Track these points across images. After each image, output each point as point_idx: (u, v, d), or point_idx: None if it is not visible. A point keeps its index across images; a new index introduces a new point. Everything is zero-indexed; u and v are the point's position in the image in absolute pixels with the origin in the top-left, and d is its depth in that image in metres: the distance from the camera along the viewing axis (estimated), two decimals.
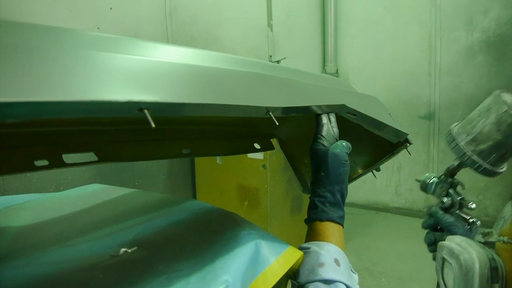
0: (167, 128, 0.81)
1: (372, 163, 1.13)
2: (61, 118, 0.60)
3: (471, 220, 0.89)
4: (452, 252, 0.64)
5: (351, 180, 1.10)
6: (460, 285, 0.61)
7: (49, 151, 0.62)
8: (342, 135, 0.86)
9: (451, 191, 0.97)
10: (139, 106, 0.42)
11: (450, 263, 0.64)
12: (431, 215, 1.01)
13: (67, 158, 0.65)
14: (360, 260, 3.34)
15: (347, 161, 0.81)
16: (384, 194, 4.61)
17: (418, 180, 1.12)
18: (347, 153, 0.81)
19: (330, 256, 0.70)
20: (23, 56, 0.36)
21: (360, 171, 1.15)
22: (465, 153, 0.88)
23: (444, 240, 0.73)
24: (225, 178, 2.80)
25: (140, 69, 0.47)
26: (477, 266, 0.58)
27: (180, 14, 2.92)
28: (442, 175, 1.02)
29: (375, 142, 1.06)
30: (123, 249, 0.63)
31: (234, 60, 0.69)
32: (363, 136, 0.99)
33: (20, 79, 0.34)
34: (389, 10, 4.43)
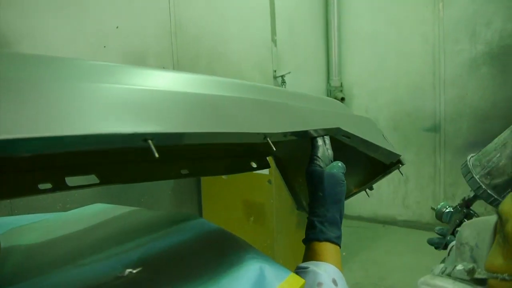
0: (166, 149, 0.83)
1: (365, 182, 1.15)
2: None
3: None
4: None
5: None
6: None
7: (52, 175, 0.63)
8: (336, 156, 0.88)
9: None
10: (144, 137, 0.43)
11: None
12: (443, 236, 1.01)
13: (70, 181, 0.66)
14: (367, 275, 3.30)
15: (343, 181, 0.83)
16: (391, 207, 4.58)
17: (433, 209, 1.13)
18: (343, 173, 0.84)
19: (328, 276, 0.71)
20: (25, 90, 0.38)
21: (353, 189, 1.17)
22: (480, 186, 0.89)
23: None
24: (230, 193, 2.80)
25: (141, 99, 0.48)
26: None
27: (184, 32, 2.96)
28: (457, 205, 1.03)
29: (368, 162, 1.07)
30: (128, 270, 0.63)
31: (232, 85, 0.71)
32: (356, 156, 1.00)
33: (23, 115, 0.35)
34: (392, 23, 4.46)
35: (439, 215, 1.08)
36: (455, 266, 0.57)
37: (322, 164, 0.85)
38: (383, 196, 4.54)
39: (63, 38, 2.27)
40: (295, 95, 0.90)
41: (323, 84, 4.87)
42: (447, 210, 1.05)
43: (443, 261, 0.96)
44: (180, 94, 0.55)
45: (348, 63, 4.88)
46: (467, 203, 1.00)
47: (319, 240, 0.79)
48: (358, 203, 4.61)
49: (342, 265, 0.82)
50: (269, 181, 2.58)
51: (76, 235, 0.89)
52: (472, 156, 0.97)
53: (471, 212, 0.99)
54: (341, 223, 0.82)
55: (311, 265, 0.73)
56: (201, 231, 0.86)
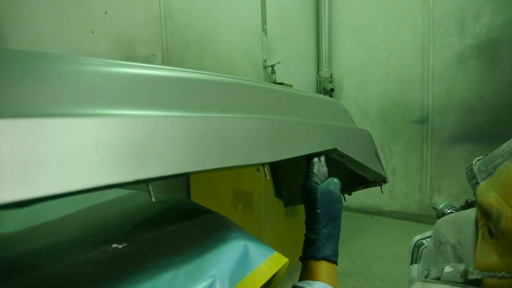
0: None
1: (346, 187, 1.17)
2: None
3: None
4: None
5: None
6: None
7: None
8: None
9: None
10: (145, 182, 0.44)
11: None
12: None
13: None
14: (354, 263, 3.34)
15: (340, 197, 0.84)
16: (378, 198, 4.62)
17: (435, 208, 1.13)
18: (339, 189, 0.84)
19: None
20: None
21: None
22: None
23: None
24: (219, 181, 2.80)
25: (137, 133, 0.44)
26: None
27: (174, 18, 2.93)
28: (460, 206, 1.03)
29: (352, 171, 1.09)
30: (114, 245, 0.63)
31: (234, 93, 0.68)
32: (341, 165, 1.02)
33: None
34: (383, 15, 4.47)
35: (441, 215, 1.08)
36: (442, 269, 0.53)
37: (318, 181, 0.85)
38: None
39: (50, 23, 2.23)
40: (297, 98, 0.89)
41: (313, 75, 4.88)
42: (449, 211, 1.05)
43: (415, 262, 0.94)
44: (180, 122, 0.51)
45: (338, 54, 4.89)
46: (469, 206, 0.99)
47: (316, 259, 0.79)
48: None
49: None
50: (258, 169, 2.58)
51: (65, 215, 0.88)
52: (478, 160, 0.96)
53: None
54: (338, 239, 0.83)
55: (307, 284, 0.74)
56: (188, 211, 0.87)
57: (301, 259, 0.82)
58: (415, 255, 0.94)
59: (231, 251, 0.63)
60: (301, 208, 0.92)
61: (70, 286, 0.51)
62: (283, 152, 0.72)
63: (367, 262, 3.37)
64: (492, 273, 0.45)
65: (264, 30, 3.88)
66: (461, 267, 0.50)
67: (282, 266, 0.69)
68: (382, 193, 1.14)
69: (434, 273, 0.54)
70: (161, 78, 0.56)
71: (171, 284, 0.51)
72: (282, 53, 4.13)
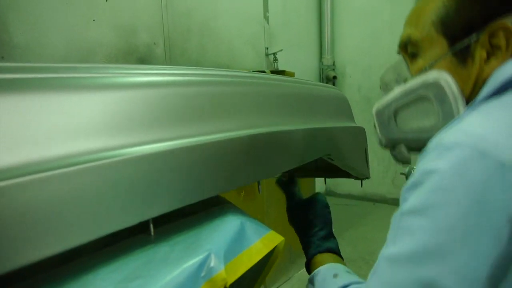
0: None
1: (324, 172, 1.22)
2: None
3: None
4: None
5: (301, 176, 1.22)
6: None
7: None
8: None
9: None
10: (148, 221, 0.46)
11: None
12: None
13: None
14: (356, 250, 3.36)
15: (328, 204, 0.94)
16: (381, 186, 4.63)
17: (403, 174, 1.16)
18: (324, 197, 0.95)
19: (342, 269, 0.76)
20: None
21: (313, 173, 1.28)
22: None
23: None
24: None
25: (141, 173, 0.46)
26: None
27: (176, 5, 2.92)
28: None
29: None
30: None
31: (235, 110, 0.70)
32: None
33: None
34: (386, 0, 4.43)
35: (410, 175, 1.12)
36: None
37: (301, 196, 0.97)
38: (373, 175, 4.55)
39: (52, 10, 2.23)
40: (295, 100, 0.90)
41: (316, 62, 4.85)
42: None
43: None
44: (179, 157, 0.54)
45: (341, 41, 4.85)
46: None
47: (320, 252, 0.82)
48: (349, 181, 4.63)
49: None
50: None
51: None
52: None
53: None
54: (336, 241, 0.88)
55: (314, 275, 0.77)
56: None
57: (306, 264, 0.85)
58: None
59: (228, 228, 0.64)
60: (304, 194, 0.99)
61: (70, 256, 0.52)
62: (279, 166, 0.75)
63: (369, 249, 3.39)
64: None
65: (266, 18, 3.86)
66: None
67: (278, 244, 0.70)
68: (362, 186, 1.19)
69: None
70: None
71: (167, 256, 0.52)
72: (284, 41, 4.11)
